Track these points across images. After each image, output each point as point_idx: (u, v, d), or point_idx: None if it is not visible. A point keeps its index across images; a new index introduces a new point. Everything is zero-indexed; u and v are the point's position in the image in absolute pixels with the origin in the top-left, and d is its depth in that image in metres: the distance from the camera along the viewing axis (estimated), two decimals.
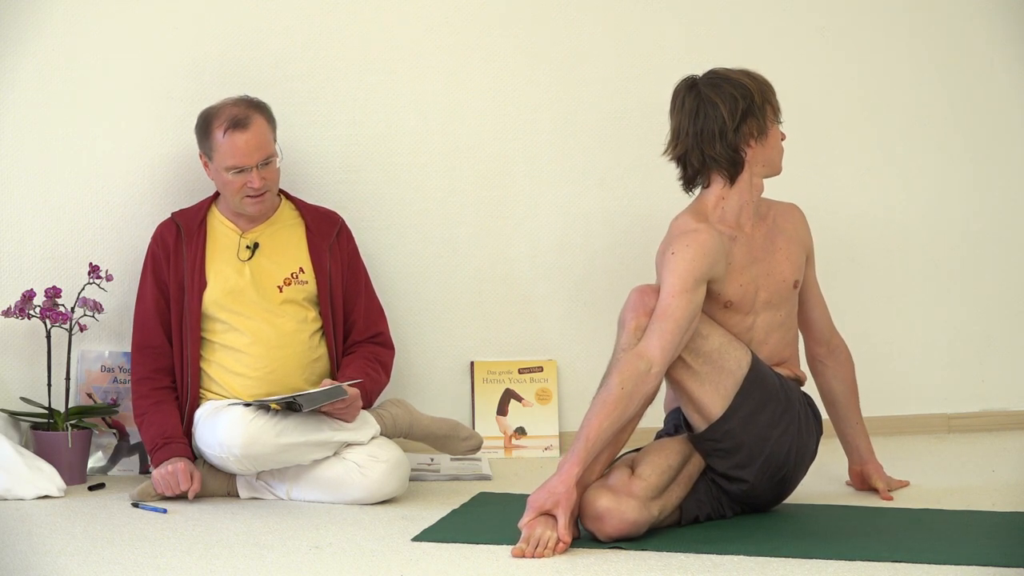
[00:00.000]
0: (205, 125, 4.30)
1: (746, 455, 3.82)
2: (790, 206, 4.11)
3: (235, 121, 4.25)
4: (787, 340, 4.03)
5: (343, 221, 4.49)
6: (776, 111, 3.96)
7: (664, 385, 3.93)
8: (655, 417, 4.09)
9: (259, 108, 4.31)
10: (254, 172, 4.25)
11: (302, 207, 4.45)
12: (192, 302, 4.30)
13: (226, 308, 4.30)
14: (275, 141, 4.34)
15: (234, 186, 4.28)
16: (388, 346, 4.47)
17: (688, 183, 3.98)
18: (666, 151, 3.97)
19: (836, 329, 4.22)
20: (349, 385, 4.13)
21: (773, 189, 4.14)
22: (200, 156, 4.35)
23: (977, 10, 5.19)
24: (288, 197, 4.47)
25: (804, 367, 4.15)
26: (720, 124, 3.88)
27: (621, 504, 3.64)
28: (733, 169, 3.91)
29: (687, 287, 3.77)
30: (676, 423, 4.00)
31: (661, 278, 3.82)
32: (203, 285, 4.31)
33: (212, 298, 4.30)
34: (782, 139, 3.99)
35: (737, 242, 3.92)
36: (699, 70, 3.97)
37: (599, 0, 4.97)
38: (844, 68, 5.15)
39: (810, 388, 4.13)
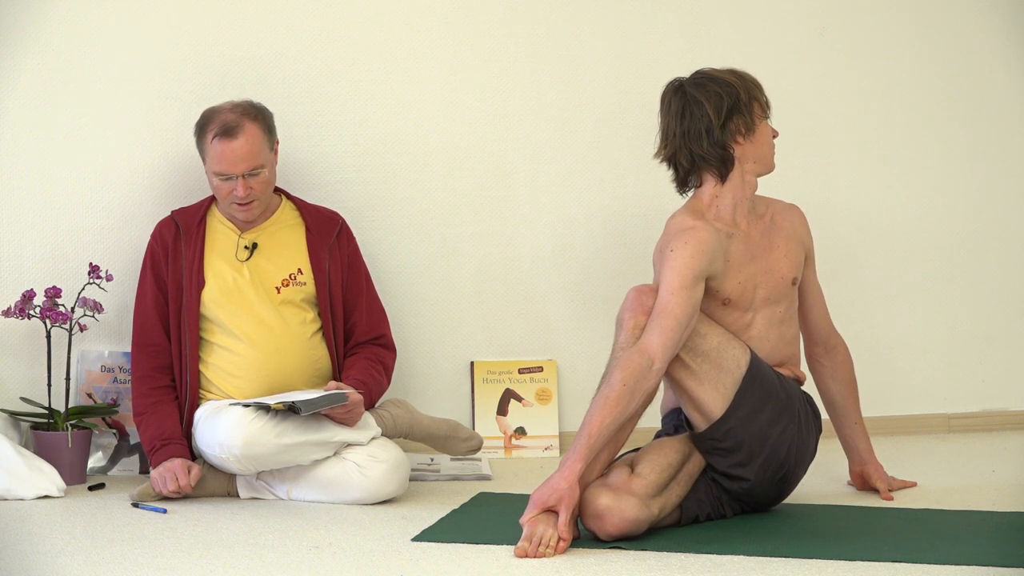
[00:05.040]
0: (201, 128, 4.31)
1: (746, 454, 3.83)
2: (790, 206, 4.12)
3: (225, 128, 4.24)
4: (788, 338, 4.03)
5: (343, 221, 4.48)
6: (764, 108, 3.96)
7: (662, 387, 3.94)
8: (654, 417, 4.09)
9: (255, 117, 4.29)
10: (239, 181, 4.25)
11: (302, 207, 4.45)
12: (191, 301, 4.30)
13: (224, 308, 4.30)
14: (272, 149, 4.33)
15: (221, 191, 4.29)
16: (390, 348, 4.47)
17: (681, 184, 4.00)
18: (656, 153, 3.99)
19: (835, 329, 4.22)
20: (352, 391, 4.13)
21: (774, 189, 4.15)
22: (200, 155, 4.35)
23: (977, 10, 5.19)
24: (288, 197, 4.48)
25: (804, 367, 4.15)
26: (706, 122, 3.89)
27: (621, 502, 3.65)
28: (723, 167, 3.93)
29: (686, 284, 3.78)
30: (676, 424, 4.00)
31: (660, 275, 3.83)
32: (201, 284, 4.31)
33: (210, 297, 4.30)
34: (774, 136, 4.00)
35: (734, 239, 3.93)
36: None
37: (599, 1, 4.97)
38: (844, 69, 5.15)
39: (810, 388, 4.13)
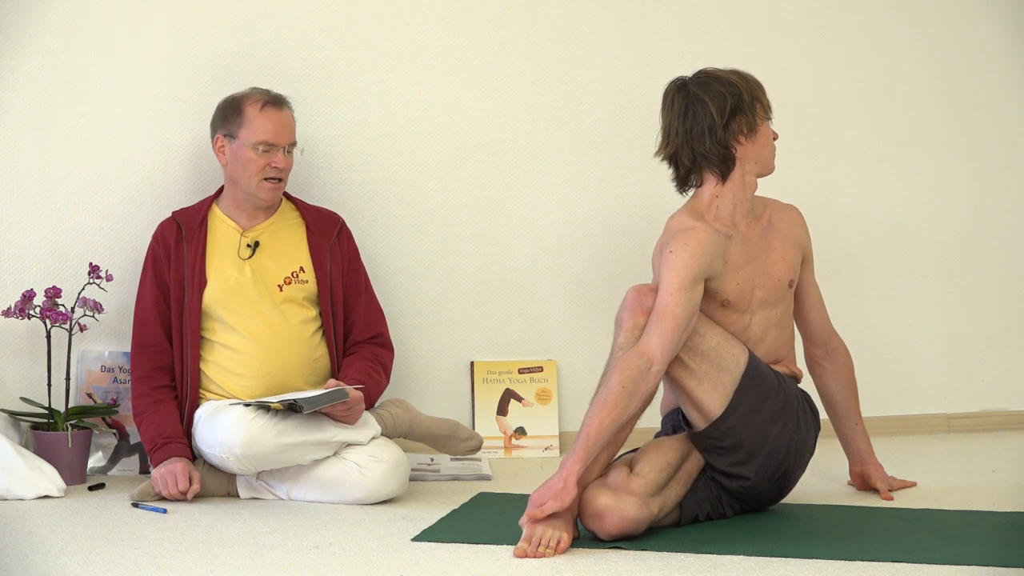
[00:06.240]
0: (234, 105, 4.32)
1: (746, 452, 3.83)
2: (787, 206, 4.12)
3: (274, 98, 4.32)
4: (784, 338, 4.03)
5: (343, 221, 4.49)
6: (766, 109, 3.97)
7: (661, 387, 3.94)
8: (653, 418, 4.09)
9: (288, 100, 4.38)
10: (281, 152, 4.27)
11: (302, 207, 4.46)
12: (192, 300, 4.30)
13: (226, 307, 4.30)
14: None
15: (256, 165, 4.29)
16: (388, 347, 4.48)
17: (681, 183, 4.00)
18: (658, 151, 3.99)
19: (835, 331, 4.22)
20: (352, 389, 4.13)
21: (774, 189, 4.15)
22: (215, 141, 4.35)
23: (977, 10, 5.19)
24: (289, 197, 4.48)
25: (802, 365, 4.15)
26: (709, 121, 3.89)
27: (620, 502, 3.65)
28: (724, 167, 3.93)
29: (685, 285, 3.78)
30: (674, 424, 4.00)
31: (659, 276, 3.83)
32: (203, 283, 4.31)
33: (212, 296, 4.31)
34: (774, 138, 4.00)
35: (733, 240, 3.93)
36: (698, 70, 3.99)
37: (599, 1, 4.97)
38: (843, 68, 5.15)
39: (810, 389, 4.13)
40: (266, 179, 4.30)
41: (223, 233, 4.38)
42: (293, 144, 4.34)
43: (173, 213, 4.43)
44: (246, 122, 4.29)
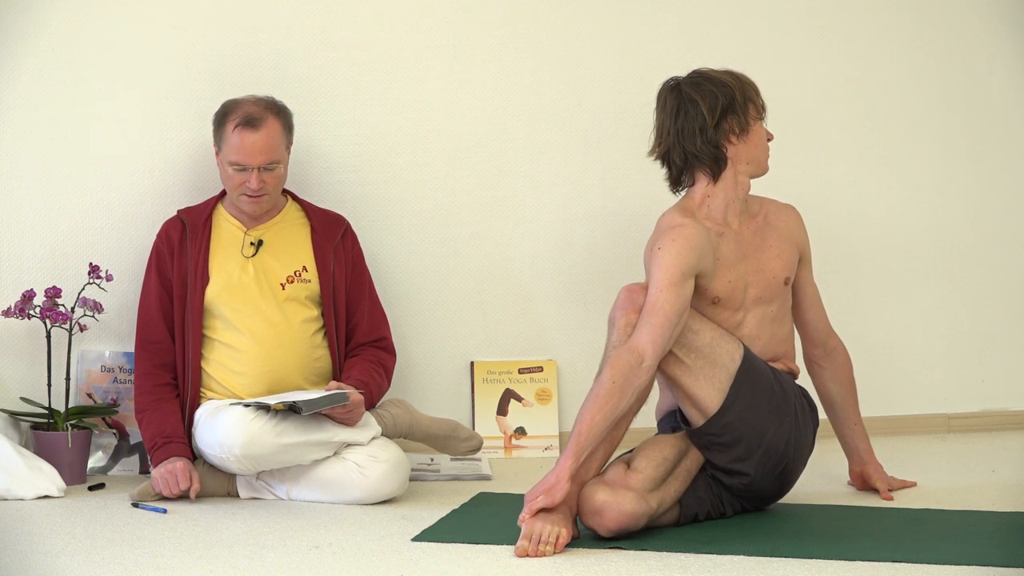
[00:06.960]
0: (222, 116, 4.33)
1: (745, 448, 3.83)
2: (785, 205, 4.12)
3: (247, 119, 4.27)
4: (781, 336, 4.03)
5: (348, 224, 4.49)
6: (760, 110, 3.97)
7: (656, 390, 3.94)
8: (652, 418, 4.09)
9: (277, 112, 4.33)
10: (254, 173, 4.27)
11: (308, 208, 4.46)
12: (195, 298, 4.30)
13: (228, 304, 4.31)
14: (288, 147, 4.35)
15: (234, 182, 4.30)
16: (390, 351, 4.48)
17: (673, 182, 4.02)
18: (651, 151, 4.01)
19: (833, 331, 4.22)
20: (353, 391, 4.13)
21: (775, 188, 4.15)
22: (213, 145, 4.36)
23: (977, 9, 5.19)
24: (294, 198, 4.48)
25: (800, 365, 4.15)
26: (700, 121, 3.91)
27: (618, 497, 3.65)
28: (716, 166, 3.94)
29: (674, 281, 3.79)
30: (672, 426, 4.00)
31: (649, 274, 3.84)
32: (206, 280, 4.32)
33: (214, 293, 4.31)
34: (769, 139, 4.01)
35: (724, 238, 3.94)
36: None
37: (599, 1, 4.97)
38: (843, 68, 5.15)
39: (808, 388, 4.13)
40: (244, 194, 4.31)
41: (227, 231, 4.38)
42: (272, 163, 4.29)
43: (178, 211, 4.43)
44: (224, 139, 4.30)
